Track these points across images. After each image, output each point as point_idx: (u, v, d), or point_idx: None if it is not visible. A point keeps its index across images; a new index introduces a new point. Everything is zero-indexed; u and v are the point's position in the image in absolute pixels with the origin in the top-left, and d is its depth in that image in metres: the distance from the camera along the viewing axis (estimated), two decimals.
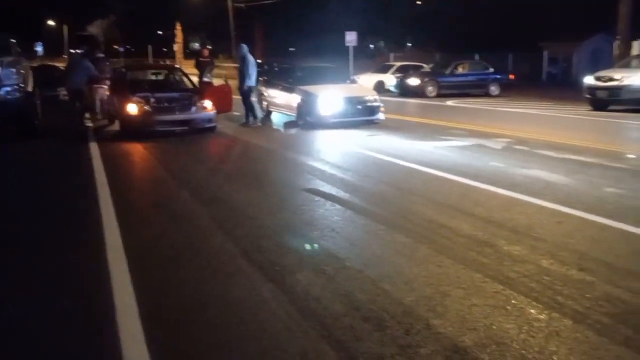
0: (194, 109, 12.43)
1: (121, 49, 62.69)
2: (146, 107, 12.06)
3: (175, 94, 12.93)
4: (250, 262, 4.66)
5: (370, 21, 42.49)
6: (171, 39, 60.31)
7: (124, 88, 13.17)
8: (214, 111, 12.72)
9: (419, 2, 49.26)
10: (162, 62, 46.99)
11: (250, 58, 14.28)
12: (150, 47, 54.42)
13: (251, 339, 3.42)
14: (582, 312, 3.68)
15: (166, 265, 4.71)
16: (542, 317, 3.63)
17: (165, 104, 12.35)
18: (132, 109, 12.00)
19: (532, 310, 3.72)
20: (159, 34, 74.17)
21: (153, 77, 15.16)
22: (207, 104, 12.62)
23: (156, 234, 5.61)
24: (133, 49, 69.98)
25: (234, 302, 3.93)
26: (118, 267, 4.59)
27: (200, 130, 12.40)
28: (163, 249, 5.14)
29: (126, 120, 12.25)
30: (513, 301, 3.85)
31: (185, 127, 12.30)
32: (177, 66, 18.89)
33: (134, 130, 11.97)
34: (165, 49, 64.81)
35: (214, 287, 4.20)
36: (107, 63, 17.15)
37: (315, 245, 5.09)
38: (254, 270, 4.51)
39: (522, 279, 4.22)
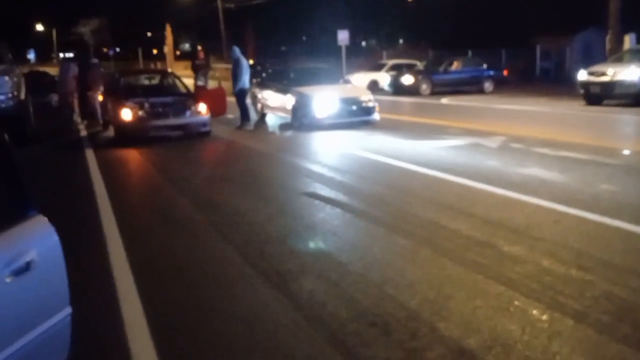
0: (188, 113, 12.46)
1: (110, 52, 62.68)
2: (140, 113, 12.10)
3: (169, 99, 12.91)
4: (254, 269, 4.74)
5: (362, 19, 42.61)
6: (161, 41, 60.23)
7: (118, 93, 13.26)
8: (209, 115, 12.76)
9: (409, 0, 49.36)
10: (152, 65, 46.94)
11: (244, 60, 14.39)
12: (140, 50, 54.38)
13: (258, 346, 3.50)
14: (583, 311, 3.77)
15: (170, 274, 4.79)
16: (544, 317, 3.72)
17: (160, 109, 12.35)
18: (126, 114, 12.03)
19: (534, 311, 3.81)
20: (149, 36, 74.06)
21: (146, 82, 15.23)
22: (202, 108, 12.62)
23: (158, 243, 5.69)
24: (122, 52, 70.00)
25: (240, 309, 4.01)
26: (123, 276, 4.68)
27: (195, 134, 12.48)
28: (166, 257, 5.21)
29: (121, 126, 12.28)
30: (515, 302, 3.94)
31: (180, 132, 12.38)
32: (170, 70, 18.92)
33: (129, 136, 12.03)
34: (155, 51, 64.76)
35: (218, 296, 4.27)
36: (102, 69, 17.18)
37: (318, 250, 5.17)
38: (258, 277, 4.58)
39: (523, 279, 4.32)
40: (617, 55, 18.76)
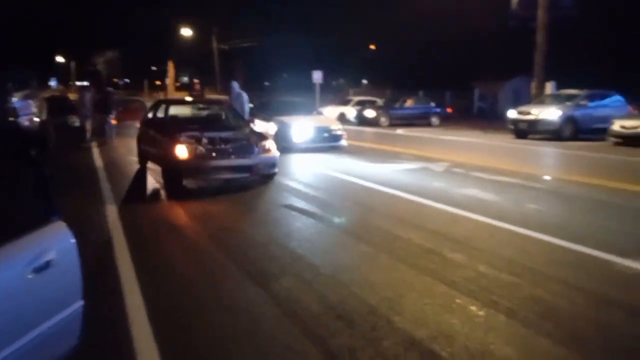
0: (256, 150, 8.67)
1: (120, 83, 61.97)
2: (199, 150, 8.25)
3: (229, 133, 8.94)
4: (240, 270, 4.68)
5: (333, 62, 42.93)
6: (164, 74, 59.71)
7: (165, 126, 9.36)
8: (278, 154, 9.22)
9: (372, 47, 49.92)
10: (155, 95, 46.25)
11: (244, 94, 13.84)
12: (146, 81, 53.84)
13: (245, 335, 3.44)
14: (513, 309, 3.81)
15: (167, 271, 4.70)
16: (480, 313, 3.75)
17: (221, 146, 8.47)
18: (181, 152, 8.08)
19: (472, 308, 3.84)
20: (153, 70, 73.37)
21: (196, 113, 10.96)
22: (270, 145, 9.05)
23: (158, 246, 5.58)
24: (130, 83, 69.28)
25: (228, 304, 3.95)
26: (126, 273, 4.57)
27: (263, 177, 9.01)
28: (164, 257, 5.12)
29: (173, 165, 8.18)
30: (457, 300, 3.97)
31: (246, 174, 8.69)
32: (223, 101, 14.09)
33: (184, 177, 8.31)
34: (159, 82, 64.14)
35: (210, 291, 4.20)
36: (116, 96, 16.95)
37: (294, 255, 5.13)
38: (244, 276, 4.53)
39: (463, 282, 4.34)
40: (540, 99, 19.23)
